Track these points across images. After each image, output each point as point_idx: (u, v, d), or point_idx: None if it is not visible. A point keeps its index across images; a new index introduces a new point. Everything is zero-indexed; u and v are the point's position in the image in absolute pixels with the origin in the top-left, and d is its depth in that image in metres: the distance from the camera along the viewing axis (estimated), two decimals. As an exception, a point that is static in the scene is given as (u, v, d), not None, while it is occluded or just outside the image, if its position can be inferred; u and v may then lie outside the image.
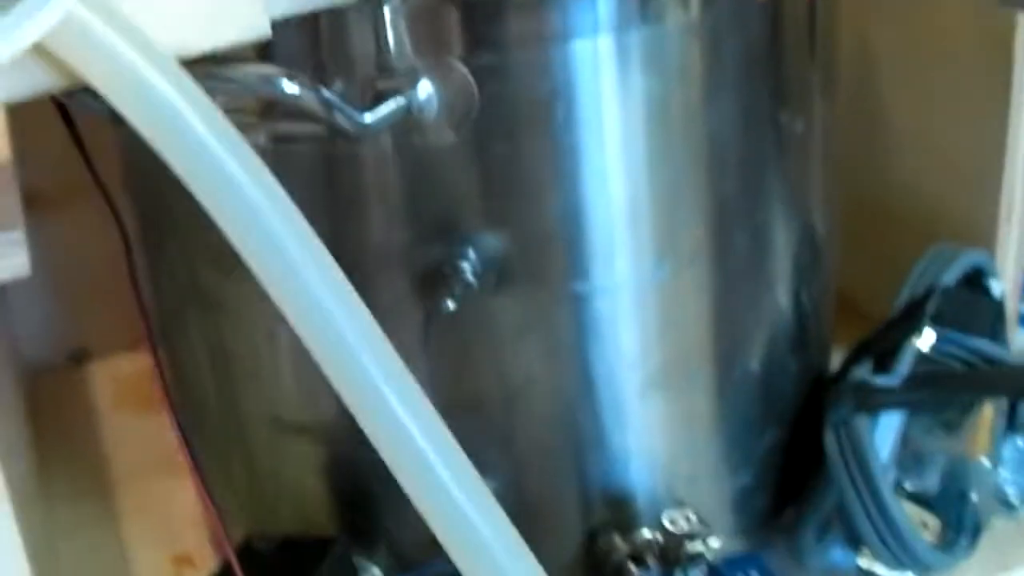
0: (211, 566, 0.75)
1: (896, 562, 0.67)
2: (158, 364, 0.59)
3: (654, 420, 0.63)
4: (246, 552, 0.62)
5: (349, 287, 0.45)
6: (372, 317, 0.46)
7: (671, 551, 0.61)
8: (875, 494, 0.65)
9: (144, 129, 0.41)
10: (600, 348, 0.60)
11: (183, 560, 0.76)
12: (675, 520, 0.62)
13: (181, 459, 0.82)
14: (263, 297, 0.46)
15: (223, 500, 0.69)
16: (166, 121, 0.41)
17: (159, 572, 0.75)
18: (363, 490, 0.63)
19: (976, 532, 0.69)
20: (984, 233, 0.77)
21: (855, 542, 0.68)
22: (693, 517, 0.62)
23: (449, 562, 0.50)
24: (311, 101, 0.48)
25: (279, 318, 0.54)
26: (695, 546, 0.60)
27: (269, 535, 0.62)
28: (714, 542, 0.61)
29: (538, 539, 0.51)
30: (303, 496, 0.65)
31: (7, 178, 0.43)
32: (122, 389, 0.85)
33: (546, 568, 0.51)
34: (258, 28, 0.44)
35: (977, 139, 0.75)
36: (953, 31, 0.75)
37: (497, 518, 0.49)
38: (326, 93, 0.48)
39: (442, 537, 0.48)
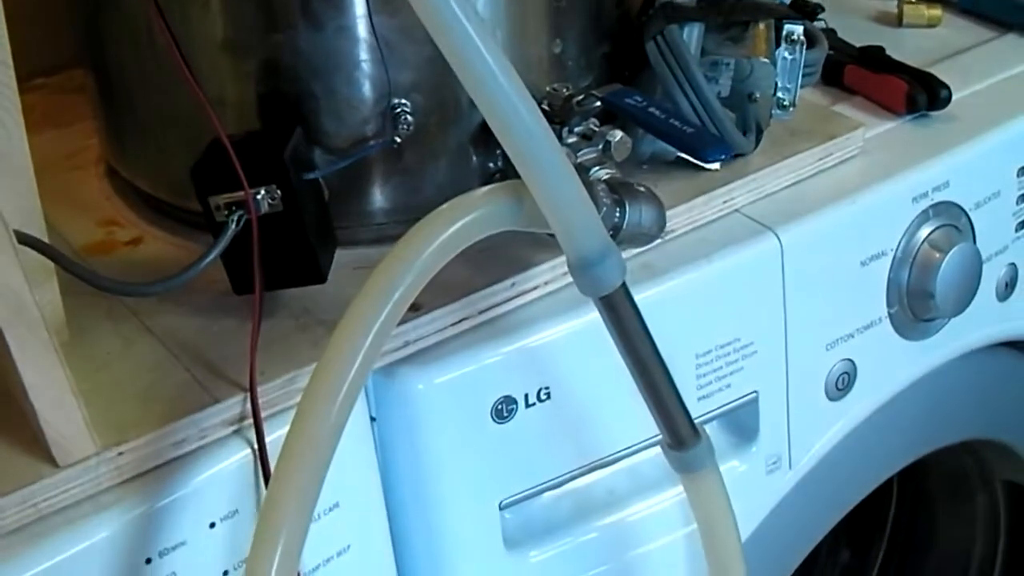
0: (137, 229, 0.85)
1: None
2: None
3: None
4: (215, 146, 0.72)
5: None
6: None
7: (562, 110, 0.77)
8: (691, 79, 0.84)
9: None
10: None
11: (109, 222, 0.85)
12: (556, 90, 0.79)
13: (84, 157, 0.91)
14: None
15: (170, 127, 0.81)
16: None
17: (89, 235, 0.84)
18: (297, 93, 0.75)
19: (759, 131, 0.89)
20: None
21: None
22: (569, 87, 0.79)
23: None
24: None
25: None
26: (581, 99, 0.77)
27: (233, 133, 0.72)
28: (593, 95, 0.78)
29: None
30: (245, 109, 0.77)
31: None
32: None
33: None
34: None
35: None
36: None
37: None
38: None
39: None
